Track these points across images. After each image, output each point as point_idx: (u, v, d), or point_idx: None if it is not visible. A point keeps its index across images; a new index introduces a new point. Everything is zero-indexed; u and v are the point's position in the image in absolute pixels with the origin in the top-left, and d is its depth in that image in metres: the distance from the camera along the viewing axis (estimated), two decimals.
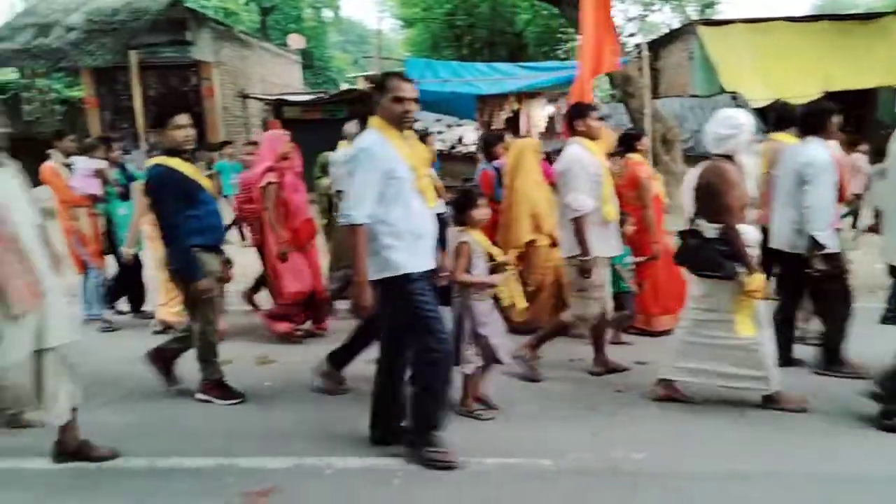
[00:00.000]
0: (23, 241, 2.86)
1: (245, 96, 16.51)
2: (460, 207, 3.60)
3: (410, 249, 3.00)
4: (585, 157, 3.96)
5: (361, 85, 16.45)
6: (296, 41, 20.96)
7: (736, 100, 12.30)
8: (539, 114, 11.57)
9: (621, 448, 3.23)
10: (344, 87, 20.81)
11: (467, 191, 3.78)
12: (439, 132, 13.29)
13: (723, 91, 13.10)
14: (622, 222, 4.32)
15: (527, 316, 4.41)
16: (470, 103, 10.59)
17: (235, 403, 3.93)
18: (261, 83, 18.08)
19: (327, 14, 34.47)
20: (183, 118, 3.82)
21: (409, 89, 3.03)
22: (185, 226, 3.70)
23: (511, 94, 10.68)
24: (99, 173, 5.59)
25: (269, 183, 4.94)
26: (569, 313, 4.16)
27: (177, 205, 3.70)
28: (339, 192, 5.29)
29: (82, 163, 5.60)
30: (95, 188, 5.57)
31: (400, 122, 3.06)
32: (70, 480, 3.08)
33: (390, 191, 2.95)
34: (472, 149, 13.67)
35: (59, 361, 2.98)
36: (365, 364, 4.58)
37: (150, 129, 3.92)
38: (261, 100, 16.28)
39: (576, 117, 4.08)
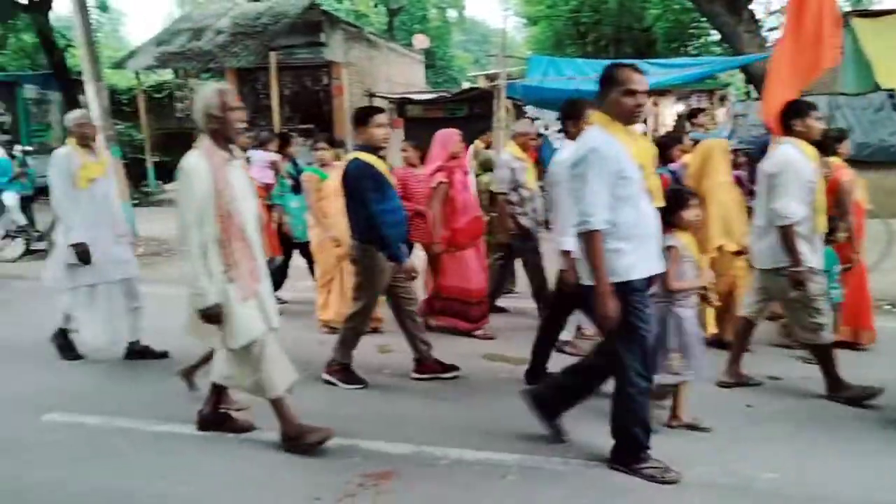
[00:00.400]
0: (248, 231, 3.13)
1: (371, 95, 17.12)
2: (670, 208, 3.25)
3: (638, 253, 2.84)
4: (800, 161, 3.64)
5: (482, 83, 16.58)
6: (420, 41, 21.48)
7: (893, 98, 11.17)
8: (667, 112, 11.12)
9: (752, 466, 3.04)
10: (465, 85, 21.07)
11: (677, 190, 3.53)
12: (558, 130, 13.09)
13: (878, 88, 11.91)
14: (834, 230, 4.01)
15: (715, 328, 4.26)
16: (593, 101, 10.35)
17: (357, 388, 4.11)
18: (386, 82, 18.69)
19: (451, 14, 35.01)
20: (383, 117, 4.04)
21: (641, 81, 2.81)
22: (383, 216, 3.93)
23: None
24: (273, 165, 6.00)
25: (441, 183, 4.98)
26: (796, 329, 3.86)
27: (376, 196, 3.92)
28: (497, 194, 5.19)
29: (259, 155, 5.99)
30: (270, 179, 5.94)
31: (630, 118, 2.85)
32: (210, 445, 3.37)
33: (619, 192, 2.78)
34: None
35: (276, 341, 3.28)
36: (478, 359, 4.67)
37: (358, 125, 4.14)
38: (386, 98, 16.83)
39: (794, 116, 3.74)
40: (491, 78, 16.42)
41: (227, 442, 3.40)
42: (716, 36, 18.65)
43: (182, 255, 3.08)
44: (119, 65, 14.94)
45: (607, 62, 11.77)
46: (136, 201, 12.35)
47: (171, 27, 15.83)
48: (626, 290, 2.82)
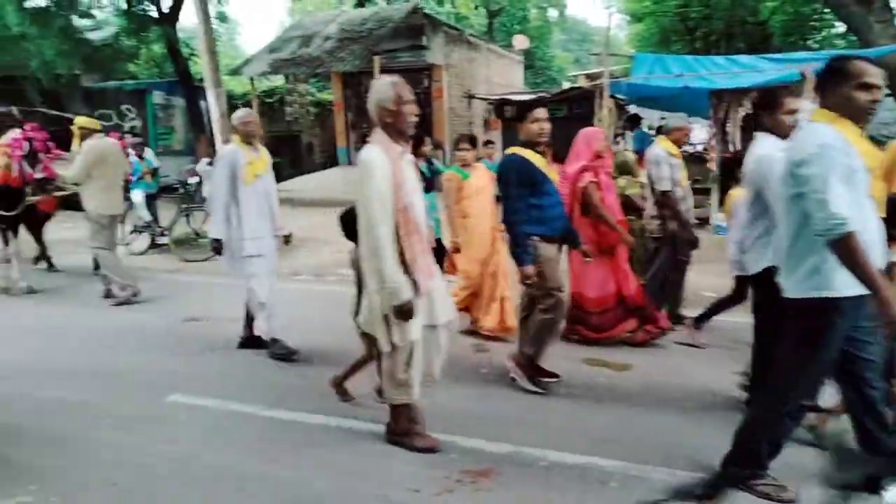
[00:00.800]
0: (422, 225, 3.11)
1: (471, 97, 17.24)
2: (891, 220, 2.88)
3: None
4: None
5: (583, 83, 16.26)
6: (520, 42, 21.38)
7: None
8: None
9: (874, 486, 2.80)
10: (565, 85, 20.76)
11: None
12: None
13: None
14: None
15: None
16: (703, 99, 9.90)
17: (538, 393, 3.99)
18: (485, 84, 18.75)
19: (552, 14, 34.62)
20: (541, 112, 3.97)
21: (878, 75, 2.53)
22: (527, 214, 3.89)
23: (752, 89, 9.76)
24: None
25: (591, 182, 4.73)
26: None
27: (521, 192, 3.89)
28: (664, 192, 5.01)
29: None
30: None
31: (863, 115, 2.57)
32: (316, 433, 3.51)
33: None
34: (700, 148, 12.76)
35: (441, 338, 3.26)
36: (579, 363, 4.58)
37: (515, 122, 4.17)
38: (485, 100, 16.88)
39: None
40: (592, 77, 16.06)
41: (332, 431, 3.53)
42: (840, 28, 17.33)
43: (365, 251, 3.04)
44: (236, 71, 15.87)
45: (720, 58, 11.24)
46: None
47: (283, 35, 16.63)
48: (831, 309, 2.54)
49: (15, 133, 6.70)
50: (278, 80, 18.97)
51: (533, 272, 3.87)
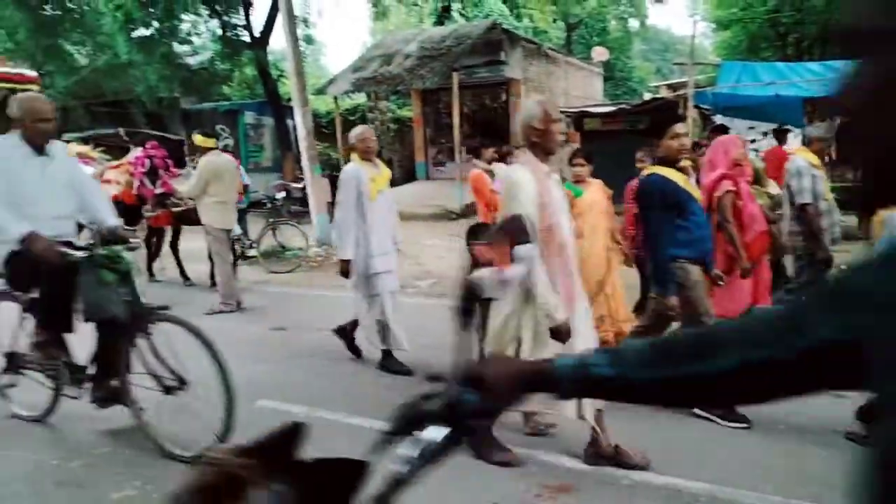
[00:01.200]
0: (567, 246, 3.03)
1: None
2: None
3: None
4: None
5: (665, 93, 15.87)
6: (599, 53, 21.12)
7: None
8: None
9: None
10: (647, 96, 20.30)
11: None
12: (752, 140, 12.15)
13: None
14: None
15: None
16: (796, 108, 9.46)
17: (742, 427, 3.70)
18: (563, 96, 18.60)
19: (633, 24, 33.99)
20: (681, 127, 3.80)
21: None
22: (671, 236, 3.68)
23: None
24: None
25: (728, 192, 4.37)
26: None
27: (665, 214, 3.69)
28: (803, 205, 4.76)
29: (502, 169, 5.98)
30: None
31: None
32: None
33: None
34: None
35: None
36: None
37: (650, 138, 4.00)
38: (563, 113, 16.75)
39: None
40: (674, 87, 15.65)
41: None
42: None
43: None
44: (321, 91, 16.47)
45: (814, 64, 10.76)
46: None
47: (365, 54, 17.15)
48: None
49: (137, 152, 7.19)
50: (360, 98, 19.53)
51: (676, 303, 3.65)
